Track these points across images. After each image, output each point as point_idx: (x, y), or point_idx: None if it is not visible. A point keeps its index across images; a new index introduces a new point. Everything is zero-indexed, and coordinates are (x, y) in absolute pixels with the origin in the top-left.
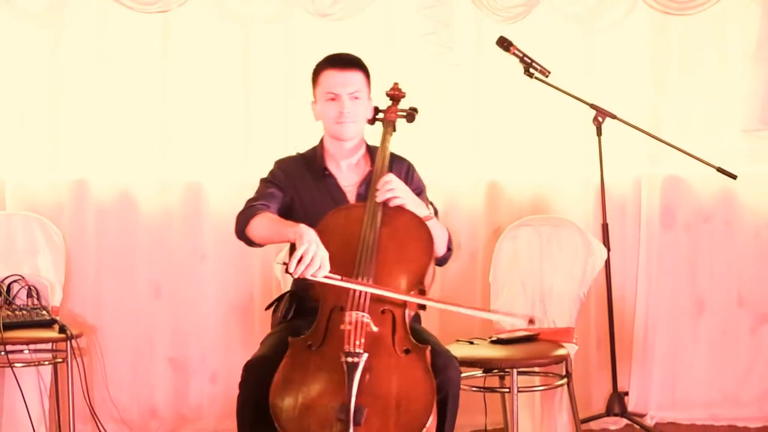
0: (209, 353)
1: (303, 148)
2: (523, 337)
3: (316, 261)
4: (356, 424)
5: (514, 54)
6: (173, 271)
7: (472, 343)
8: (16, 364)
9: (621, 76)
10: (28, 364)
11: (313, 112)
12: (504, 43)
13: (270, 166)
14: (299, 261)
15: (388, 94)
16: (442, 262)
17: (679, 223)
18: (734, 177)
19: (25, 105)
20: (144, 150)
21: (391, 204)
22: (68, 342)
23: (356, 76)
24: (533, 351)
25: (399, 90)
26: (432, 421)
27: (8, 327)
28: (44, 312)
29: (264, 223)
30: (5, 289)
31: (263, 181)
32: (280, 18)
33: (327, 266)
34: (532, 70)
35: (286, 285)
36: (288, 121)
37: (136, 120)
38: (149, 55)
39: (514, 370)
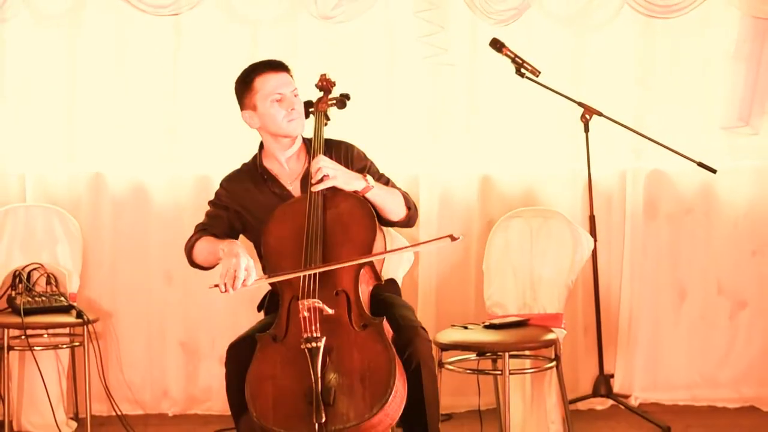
0: (218, 338)
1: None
2: (514, 323)
3: (239, 273)
4: (326, 404)
5: (506, 55)
6: (184, 259)
7: (466, 328)
8: (35, 348)
9: (607, 76)
10: (47, 347)
11: (249, 121)
12: (497, 45)
13: None
14: (226, 277)
15: (317, 86)
16: (409, 222)
17: (661, 215)
18: (714, 171)
19: (45, 103)
20: (157, 145)
21: (323, 185)
22: (85, 327)
23: (289, 75)
24: (524, 335)
25: (328, 80)
26: (401, 390)
27: (28, 312)
28: (62, 298)
29: (202, 248)
30: (26, 276)
31: (210, 203)
32: (285, 20)
33: (252, 271)
34: (523, 70)
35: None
36: None
37: (149, 117)
38: (161, 55)
39: (506, 354)
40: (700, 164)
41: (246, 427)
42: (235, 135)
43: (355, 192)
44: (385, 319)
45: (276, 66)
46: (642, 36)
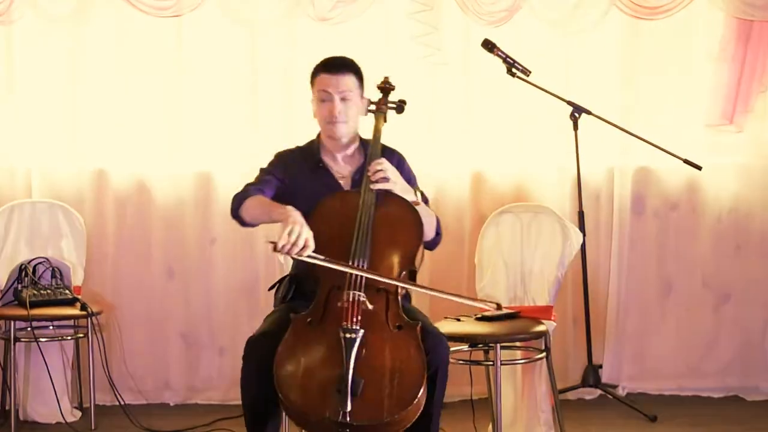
0: (218, 329)
1: (303, 141)
2: (505, 315)
3: (300, 240)
4: (354, 395)
5: (498, 55)
6: (185, 254)
7: (459, 320)
8: (41, 339)
9: (595, 76)
10: (52, 338)
11: (313, 109)
12: (488, 45)
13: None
14: (287, 240)
15: (378, 87)
16: (432, 245)
17: (648, 211)
18: (699, 168)
19: (51, 101)
20: (158, 143)
21: (382, 186)
22: (89, 319)
23: (347, 78)
24: (515, 327)
25: (389, 83)
26: (422, 394)
27: (34, 305)
28: (67, 291)
29: (255, 205)
30: (32, 270)
31: (262, 170)
32: (284, 22)
33: (311, 245)
34: (514, 70)
35: (288, 267)
36: (291, 116)
37: (151, 115)
38: (163, 55)
39: (498, 345)
40: (686, 161)
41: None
42: (235, 133)
43: (407, 200)
44: (420, 325)
45: (334, 66)
46: (629, 37)
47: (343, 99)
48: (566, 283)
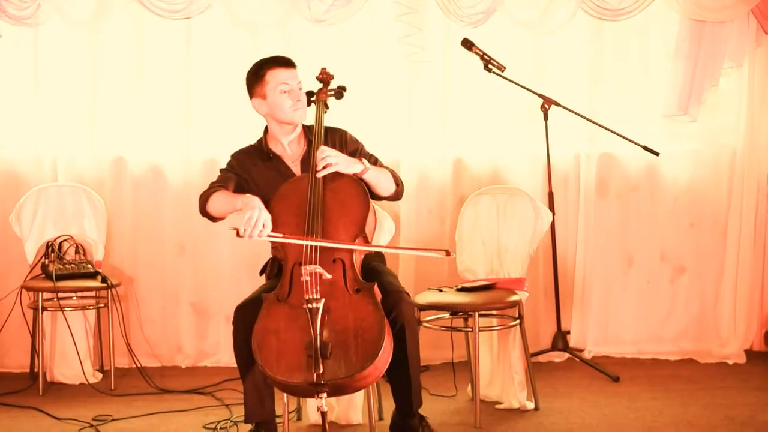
0: (225, 299)
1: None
2: (483, 286)
3: (258, 223)
4: (324, 357)
5: (476, 53)
6: (195, 231)
7: (441, 290)
8: (66, 309)
9: (564, 71)
10: (76, 308)
11: (257, 108)
12: (467, 44)
13: None
14: (247, 224)
15: (317, 78)
16: (397, 196)
17: (611, 192)
18: (657, 154)
19: (74, 95)
20: (171, 132)
21: (328, 170)
22: (109, 290)
23: (296, 71)
24: (491, 297)
25: (327, 73)
26: (388, 347)
27: (60, 278)
28: (89, 266)
29: (220, 199)
30: (57, 246)
31: (222, 170)
32: (282, 23)
33: (269, 226)
34: (490, 66)
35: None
36: None
37: (164, 108)
38: (175, 53)
39: (476, 313)
40: (645, 148)
41: (251, 378)
42: (240, 123)
43: (354, 174)
44: (375, 285)
45: (285, 62)
46: (594, 36)
47: (299, 88)
48: (537, 257)
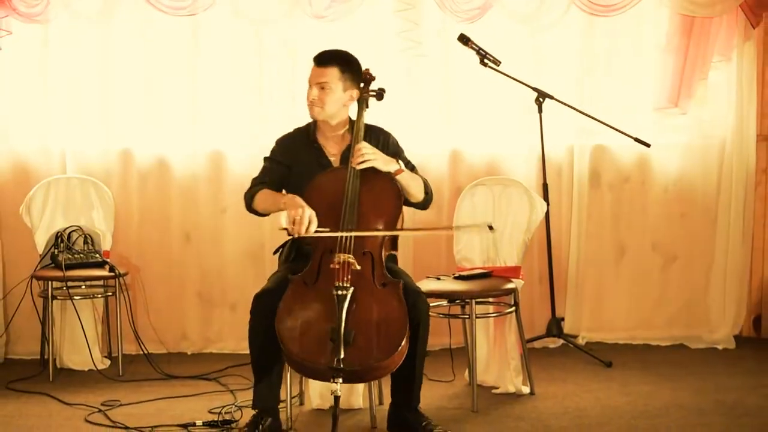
0: (229, 288)
1: (303, 125)
2: (479, 274)
3: (305, 221)
4: (347, 344)
5: (472, 47)
6: (200, 222)
7: (439, 278)
8: (75, 297)
9: (558, 65)
10: (85, 297)
11: None
12: (463, 39)
13: (274, 141)
14: (293, 224)
15: (362, 79)
16: (424, 205)
17: (604, 183)
18: (648, 146)
19: (81, 90)
20: (176, 126)
21: (363, 165)
22: (116, 279)
23: (328, 70)
24: (488, 285)
25: (370, 74)
26: (405, 342)
27: (69, 267)
28: (97, 255)
29: (264, 199)
30: (66, 237)
31: (265, 159)
32: (285, 19)
33: (315, 222)
34: (486, 61)
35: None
36: (293, 103)
37: (170, 101)
38: (180, 49)
39: (473, 301)
40: (637, 140)
41: (264, 366)
42: (244, 116)
43: (388, 173)
44: (401, 282)
45: (318, 59)
46: (587, 31)
47: (321, 87)
48: (532, 246)
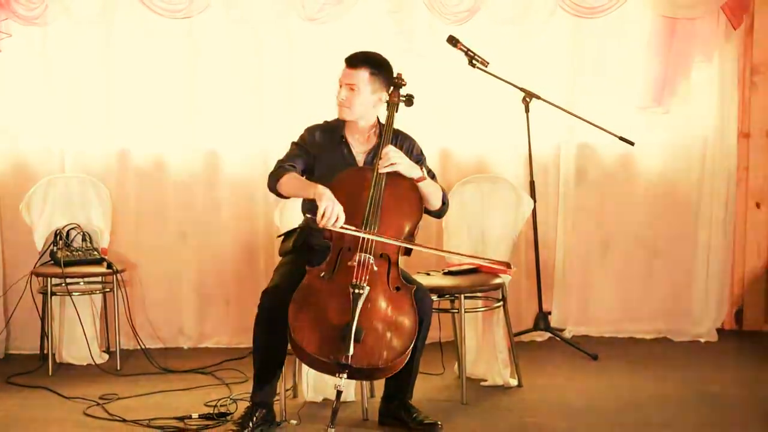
0: (224, 284)
1: (301, 126)
2: (468, 270)
3: (334, 215)
4: (356, 341)
5: (460, 49)
6: (196, 220)
7: (428, 274)
8: (74, 293)
9: (544, 66)
10: (83, 293)
11: None
12: (452, 41)
13: (274, 142)
14: (323, 216)
15: (392, 82)
16: (440, 214)
17: (589, 180)
18: (632, 144)
19: (81, 90)
20: (173, 126)
21: (389, 169)
22: (114, 276)
23: (358, 71)
24: (476, 280)
25: (401, 79)
26: (412, 347)
27: (68, 264)
28: (95, 252)
29: (290, 182)
30: (65, 234)
31: (293, 143)
32: (279, 21)
33: (343, 217)
34: (474, 62)
35: (284, 229)
36: (289, 102)
37: (167, 103)
38: (177, 51)
39: (462, 295)
40: (621, 138)
41: (266, 361)
42: (240, 117)
43: (411, 179)
44: (415, 288)
45: (349, 60)
46: (572, 33)
47: (350, 89)
48: (520, 242)
